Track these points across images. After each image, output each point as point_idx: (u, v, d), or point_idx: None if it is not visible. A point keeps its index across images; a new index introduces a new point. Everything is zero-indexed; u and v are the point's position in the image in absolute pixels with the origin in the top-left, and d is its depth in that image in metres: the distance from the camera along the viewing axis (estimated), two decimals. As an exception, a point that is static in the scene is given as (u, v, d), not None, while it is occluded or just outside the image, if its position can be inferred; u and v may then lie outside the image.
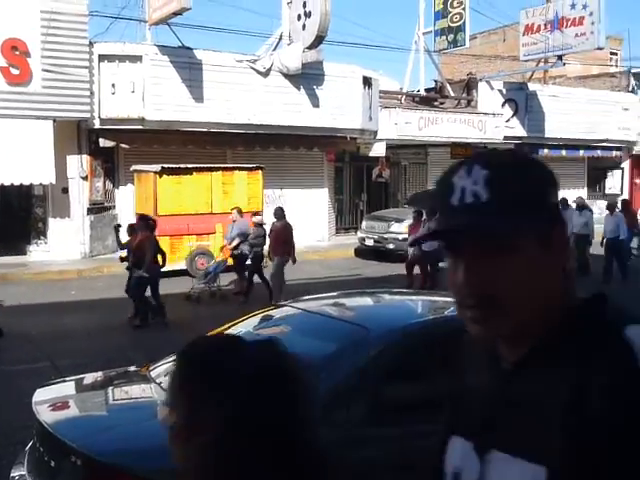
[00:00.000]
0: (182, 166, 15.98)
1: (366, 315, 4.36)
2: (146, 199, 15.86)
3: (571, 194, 22.09)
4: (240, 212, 13.63)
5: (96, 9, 20.09)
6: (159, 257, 11.40)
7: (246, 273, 13.15)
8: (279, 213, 12.96)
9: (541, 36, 23.15)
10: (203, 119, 17.08)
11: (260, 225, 13.30)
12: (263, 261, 13.16)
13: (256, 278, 12.94)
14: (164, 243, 15.27)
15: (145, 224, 11.42)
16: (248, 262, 13.18)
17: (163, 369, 4.10)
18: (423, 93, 23.95)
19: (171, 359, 4.26)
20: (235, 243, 13.16)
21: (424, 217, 14.11)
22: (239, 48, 19.68)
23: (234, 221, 13.49)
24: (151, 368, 4.14)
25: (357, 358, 3.48)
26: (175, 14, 16.21)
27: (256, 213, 14.31)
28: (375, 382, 3.47)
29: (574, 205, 17.07)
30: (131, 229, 11.59)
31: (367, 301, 4.88)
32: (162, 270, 11.73)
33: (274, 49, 19.02)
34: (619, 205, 17.38)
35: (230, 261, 13.67)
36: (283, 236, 12.65)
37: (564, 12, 22.37)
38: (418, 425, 3.42)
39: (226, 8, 73.12)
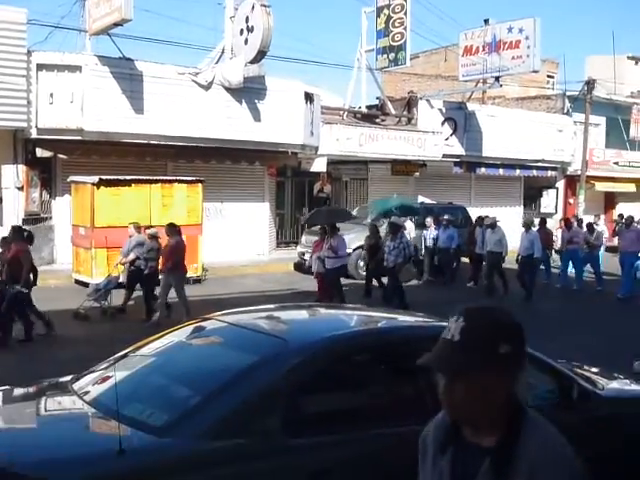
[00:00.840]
0: (121, 178, 15.86)
1: (287, 328, 4.46)
2: (83, 210, 15.69)
3: (507, 212, 22.73)
4: (138, 228, 13.16)
5: (35, 18, 19.82)
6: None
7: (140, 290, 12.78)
8: (172, 230, 12.35)
9: (479, 58, 23.75)
10: (143, 131, 16.98)
11: (154, 237, 12.79)
12: (158, 276, 12.68)
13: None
14: (101, 255, 15.18)
15: (20, 235, 10.63)
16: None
17: (85, 382, 4.10)
18: (365, 110, 24.28)
19: (90, 371, 4.27)
20: (131, 257, 12.70)
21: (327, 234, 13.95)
22: (182, 61, 19.64)
23: (130, 236, 13.00)
24: (73, 380, 4.14)
25: (275, 370, 3.56)
26: (116, 25, 16.11)
27: (150, 226, 13.65)
28: (292, 393, 3.55)
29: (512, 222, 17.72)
30: (3, 241, 10.75)
31: (290, 314, 4.97)
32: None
33: (216, 63, 19.06)
34: (536, 223, 17.77)
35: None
36: (176, 253, 12.12)
37: (501, 35, 23.02)
38: (333, 435, 3.54)
39: (169, 21, 72.84)
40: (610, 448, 4.59)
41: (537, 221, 18.55)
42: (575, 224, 19.13)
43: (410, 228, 17.97)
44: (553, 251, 19.31)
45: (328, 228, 14.02)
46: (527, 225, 16.78)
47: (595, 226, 19.28)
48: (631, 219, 17.85)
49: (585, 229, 18.63)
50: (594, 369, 5.65)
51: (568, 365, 5.25)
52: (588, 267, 18.18)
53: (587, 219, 29.02)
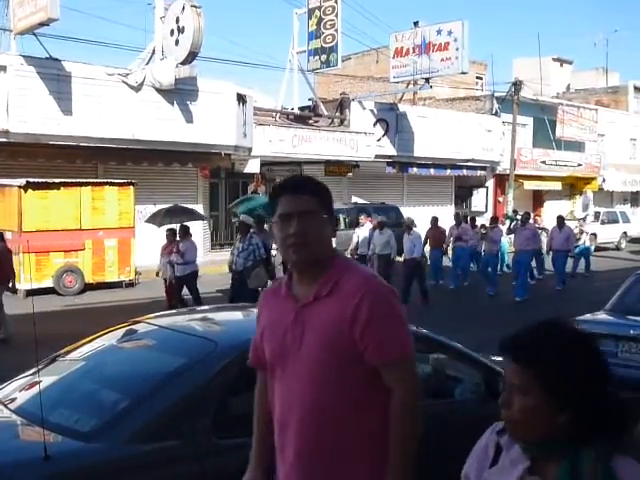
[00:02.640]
0: (49, 180, 15.53)
1: (216, 329, 4.46)
2: (10, 214, 15.29)
3: (439, 211, 23.09)
4: None
5: (-42, 16, 19.20)
6: None
7: None
8: None
9: (409, 59, 24.11)
10: (72, 133, 16.65)
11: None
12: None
13: None
14: (30, 261, 14.82)
15: None
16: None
17: (10, 389, 4.02)
18: (297, 111, 24.35)
19: (16, 379, 4.19)
20: None
21: (178, 238, 13.20)
22: (112, 62, 19.34)
23: None
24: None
25: (204, 371, 3.56)
26: (42, 24, 15.77)
27: None
28: (221, 394, 3.57)
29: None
30: None
31: (222, 316, 4.96)
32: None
33: (147, 64, 18.83)
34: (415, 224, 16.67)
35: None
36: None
37: (431, 37, 23.43)
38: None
39: (98, 21, 71.53)
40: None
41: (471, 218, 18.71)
42: (469, 222, 18.78)
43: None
44: (449, 250, 18.58)
45: (180, 231, 13.24)
46: (408, 226, 15.94)
47: (500, 225, 18.96)
48: (527, 216, 17.50)
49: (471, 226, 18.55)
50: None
51: (494, 358, 5.40)
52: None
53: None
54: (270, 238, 14.45)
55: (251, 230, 12.67)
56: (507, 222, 21.80)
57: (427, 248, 17.53)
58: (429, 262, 17.45)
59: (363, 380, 2.30)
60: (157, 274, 14.29)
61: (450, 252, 18.51)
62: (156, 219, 14.95)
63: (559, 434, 1.66)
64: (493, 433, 1.89)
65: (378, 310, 2.29)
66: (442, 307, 14.52)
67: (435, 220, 18.10)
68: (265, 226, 13.91)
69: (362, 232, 17.14)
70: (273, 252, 17.58)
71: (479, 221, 20.45)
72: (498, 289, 16.42)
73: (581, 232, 21.04)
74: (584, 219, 24.98)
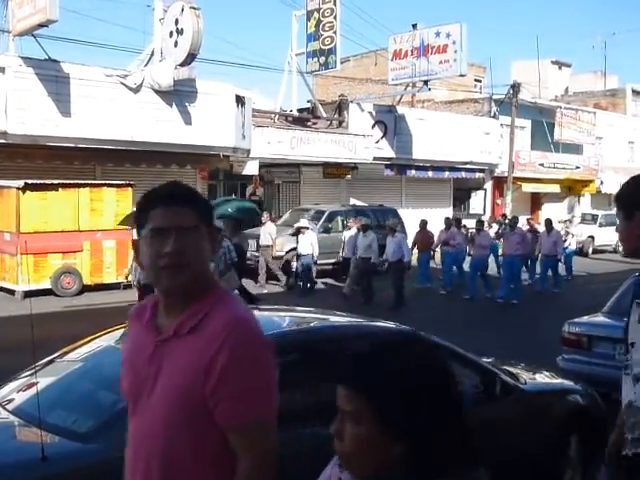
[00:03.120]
0: (47, 182, 15.52)
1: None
2: (8, 216, 15.27)
3: (437, 213, 23.12)
4: None
5: (-43, 17, 19.19)
6: None
7: None
8: None
9: (408, 62, 24.13)
10: (71, 134, 16.62)
11: None
12: None
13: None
14: (28, 262, 14.81)
15: None
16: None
17: (8, 390, 4.02)
18: (296, 113, 24.36)
19: (13, 379, 4.19)
20: None
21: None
22: (111, 64, 19.35)
23: None
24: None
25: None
26: (41, 25, 15.74)
27: None
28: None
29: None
30: None
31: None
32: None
33: (145, 65, 18.82)
34: (399, 227, 16.59)
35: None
36: None
37: (429, 40, 23.45)
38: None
39: (97, 22, 71.60)
40: (533, 439, 4.75)
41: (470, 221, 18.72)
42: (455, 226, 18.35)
43: (311, 236, 16.94)
44: (437, 254, 18.55)
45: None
46: (391, 229, 15.73)
47: (487, 228, 18.91)
48: (515, 220, 17.39)
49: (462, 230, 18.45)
50: (520, 365, 5.84)
51: (493, 361, 5.41)
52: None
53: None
54: (246, 241, 14.30)
55: (222, 233, 12.24)
56: (495, 226, 21.75)
57: (415, 251, 17.63)
58: (417, 265, 17.57)
59: (220, 438, 1.95)
60: (126, 277, 14.08)
61: (438, 256, 18.46)
62: (129, 220, 14.46)
63: (397, 468, 1.45)
64: (335, 466, 1.67)
65: (238, 361, 1.91)
66: (430, 311, 14.47)
67: (424, 223, 18.02)
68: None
69: (350, 235, 17.08)
70: (255, 254, 17.72)
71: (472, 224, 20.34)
72: (492, 293, 16.27)
73: (567, 234, 20.88)
74: (570, 221, 24.88)
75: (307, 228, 17.05)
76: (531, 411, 4.84)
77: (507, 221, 18.91)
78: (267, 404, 1.96)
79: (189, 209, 2.04)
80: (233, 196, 17.31)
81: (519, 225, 17.94)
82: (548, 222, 18.21)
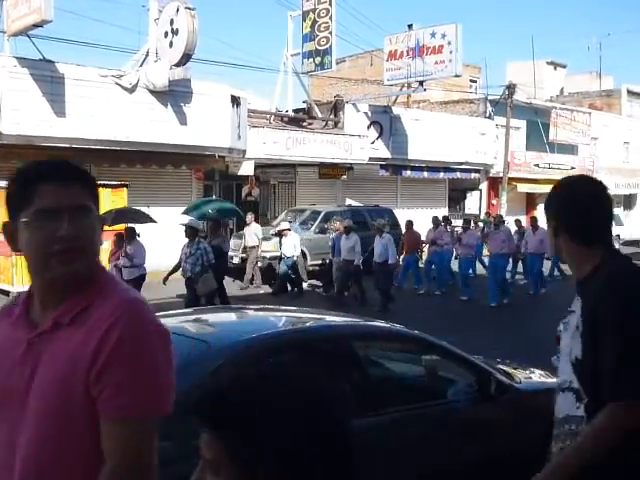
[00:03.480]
0: (42, 182, 15.47)
1: (209, 330, 4.46)
2: (2, 217, 15.15)
3: (433, 214, 23.11)
4: None
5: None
6: None
7: None
8: None
9: (403, 62, 24.13)
10: (65, 134, 16.60)
11: None
12: None
13: None
14: (23, 262, 14.76)
15: None
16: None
17: None
18: (291, 113, 24.36)
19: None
20: None
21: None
22: (106, 64, 19.31)
23: None
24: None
25: (197, 372, 3.56)
26: (35, 26, 15.71)
27: None
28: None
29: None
30: None
31: (214, 317, 4.97)
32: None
33: (141, 65, 18.81)
34: (387, 227, 16.25)
35: None
36: None
37: (425, 40, 23.45)
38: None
39: (92, 23, 71.57)
40: (528, 438, 4.75)
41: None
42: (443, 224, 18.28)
43: (294, 238, 16.59)
44: (424, 254, 18.44)
45: (126, 233, 12.69)
46: (379, 229, 15.52)
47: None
48: (500, 219, 17.01)
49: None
50: (514, 364, 5.84)
51: (488, 360, 5.42)
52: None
53: (510, 220, 30.01)
54: (227, 242, 14.10)
55: (199, 234, 12.25)
56: (480, 225, 21.44)
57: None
58: (403, 267, 17.34)
59: (97, 447, 1.72)
60: None
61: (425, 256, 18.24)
62: (105, 221, 13.92)
63: None
64: None
65: (127, 346, 1.69)
66: (428, 311, 14.43)
67: (410, 224, 17.73)
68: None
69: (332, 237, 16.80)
70: (236, 255, 17.60)
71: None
72: (477, 294, 15.97)
73: None
74: None
75: (289, 230, 16.73)
76: (526, 410, 4.84)
77: (491, 219, 18.56)
78: (156, 400, 1.75)
79: (80, 186, 1.79)
80: (214, 197, 16.95)
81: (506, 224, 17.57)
82: (534, 220, 18.01)
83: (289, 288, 16.75)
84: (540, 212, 33.04)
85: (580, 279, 2.45)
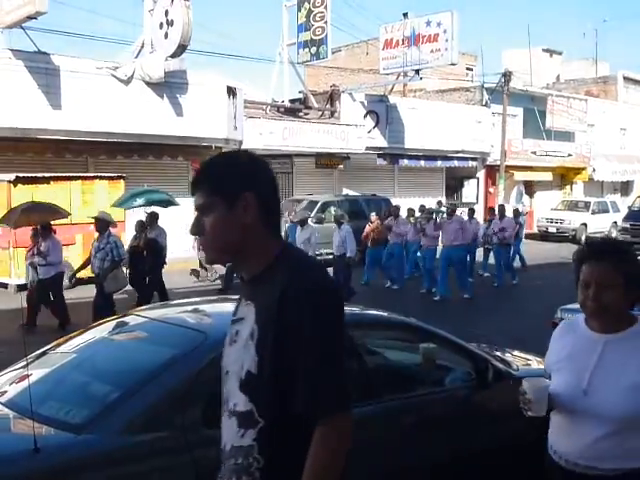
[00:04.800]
0: (39, 175, 15.46)
1: (206, 321, 4.46)
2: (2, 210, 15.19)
3: (430, 203, 23.09)
4: None
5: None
6: None
7: None
8: None
9: (399, 51, 24.07)
10: (61, 127, 16.57)
11: None
12: None
13: None
14: (20, 255, 14.75)
15: None
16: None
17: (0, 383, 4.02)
18: (288, 104, 24.31)
19: (6, 372, 4.18)
20: None
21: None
22: (101, 56, 19.25)
23: None
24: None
25: (194, 363, 3.56)
26: (30, 18, 15.63)
27: None
28: (211, 386, 3.56)
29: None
30: None
31: (212, 308, 4.96)
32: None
33: (136, 57, 18.75)
34: (346, 218, 15.45)
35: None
36: None
37: (420, 29, 23.39)
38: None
39: (87, 14, 71.22)
40: (525, 426, 4.77)
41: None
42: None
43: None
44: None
45: (39, 229, 11.79)
46: (337, 221, 14.82)
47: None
48: (453, 207, 16.18)
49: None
50: (516, 352, 5.86)
51: (484, 347, 5.43)
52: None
53: (508, 208, 30.01)
54: (164, 235, 13.20)
55: (110, 228, 11.00)
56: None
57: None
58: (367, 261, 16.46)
59: None
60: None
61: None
62: (11, 219, 12.33)
63: None
64: None
65: None
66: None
67: (377, 215, 16.90)
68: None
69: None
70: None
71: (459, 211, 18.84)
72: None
73: (517, 224, 18.96)
74: (518, 209, 22.11)
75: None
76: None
77: (443, 209, 17.05)
78: None
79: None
80: (145, 186, 16.12)
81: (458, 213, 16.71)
82: (501, 208, 17.25)
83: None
84: (537, 200, 33.11)
85: (251, 277, 2.10)
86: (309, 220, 15.10)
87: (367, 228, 16.51)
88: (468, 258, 16.29)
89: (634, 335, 2.67)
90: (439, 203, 22.02)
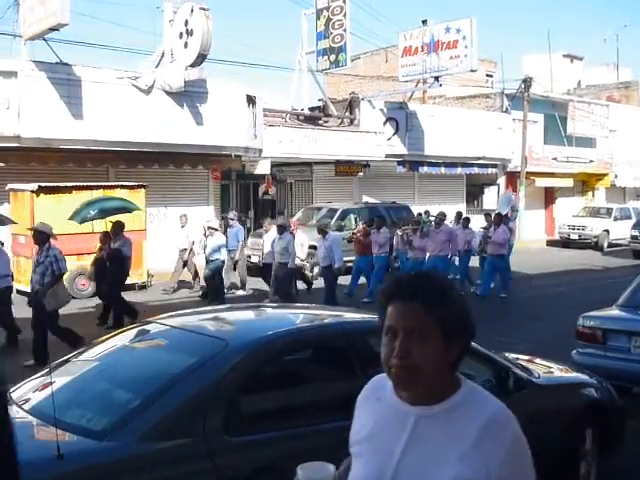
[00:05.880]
0: (61, 184, 15.62)
1: (227, 328, 4.49)
2: (22, 219, 15.34)
3: (450, 209, 23.04)
4: None
5: (-31, 22, 19.48)
6: None
7: None
8: None
9: (418, 58, 24.05)
10: (83, 136, 16.72)
11: None
12: None
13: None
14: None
15: None
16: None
17: (24, 390, 4.06)
18: (307, 112, 24.37)
19: (30, 380, 4.23)
20: None
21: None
22: (121, 66, 19.39)
23: None
24: (11, 389, 4.09)
25: (215, 370, 3.59)
26: (52, 29, 15.81)
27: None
28: (232, 393, 3.58)
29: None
30: None
31: (232, 315, 4.99)
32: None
33: (156, 67, 18.89)
34: (331, 227, 15.11)
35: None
36: None
37: (439, 36, 23.35)
38: (274, 432, 3.59)
39: (107, 25, 71.90)
40: (547, 434, 4.74)
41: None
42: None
43: (219, 238, 14.85)
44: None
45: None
46: (322, 231, 14.15)
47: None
48: (442, 216, 15.43)
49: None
50: (538, 359, 5.82)
51: (505, 355, 5.40)
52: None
53: (530, 215, 29.83)
54: (128, 245, 12.47)
55: (51, 240, 10.21)
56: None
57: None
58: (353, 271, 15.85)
59: None
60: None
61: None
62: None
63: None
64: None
65: None
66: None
67: (364, 224, 16.34)
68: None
69: (268, 238, 15.21)
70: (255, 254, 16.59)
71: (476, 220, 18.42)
72: None
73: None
74: (507, 216, 19.77)
75: (216, 230, 15.04)
76: (545, 405, 4.82)
77: (431, 218, 16.21)
78: None
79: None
80: (101, 194, 15.47)
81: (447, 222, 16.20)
82: (497, 217, 16.40)
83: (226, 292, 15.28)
84: (559, 206, 32.90)
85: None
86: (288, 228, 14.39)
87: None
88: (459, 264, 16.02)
89: (455, 407, 1.87)
90: (426, 213, 21.17)
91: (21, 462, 3.06)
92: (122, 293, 12.61)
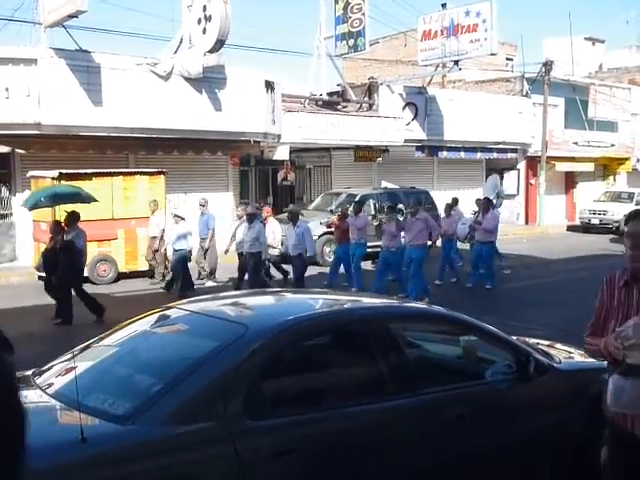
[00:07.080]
0: (81, 171, 15.72)
1: (247, 313, 4.51)
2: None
3: (470, 195, 22.89)
4: None
5: (-11, 10, 19.58)
6: None
7: None
8: None
9: (438, 42, 23.85)
10: (102, 123, 16.80)
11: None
12: None
13: None
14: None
15: None
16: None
17: (48, 375, 4.11)
18: (326, 97, 24.29)
19: (53, 364, 4.27)
20: None
21: None
22: (140, 52, 19.45)
23: None
24: (35, 374, 4.14)
25: (235, 354, 3.61)
26: (71, 16, 15.89)
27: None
28: (253, 377, 3.60)
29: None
30: None
31: (252, 300, 5.02)
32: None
33: (175, 53, 18.90)
34: (303, 214, 14.29)
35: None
36: None
37: (459, 19, 23.13)
38: (295, 416, 3.62)
39: (126, 12, 71.96)
40: (568, 418, 4.73)
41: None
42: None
43: (186, 227, 14.20)
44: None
45: None
46: (294, 216, 13.46)
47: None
48: (417, 205, 14.40)
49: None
50: (558, 344, 5.80)
51: (526, 340, 5.38)
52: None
53: (550, 200, 29.60)
54: (82, 236, 11.97)
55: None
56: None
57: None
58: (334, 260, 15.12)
59: None
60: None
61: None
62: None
63: None
64: None
65: None
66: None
67: (344, 212, 15.45)
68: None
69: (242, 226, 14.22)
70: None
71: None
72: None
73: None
74: (491, 201, 18.06)
75: (182, 218, 14.28)
76: (566, 390, 4.81)
77: (409, 209, 14.66)
78: None
79: None
80: (55, 182, 14.90)
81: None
82: (486, 201, 15.67)
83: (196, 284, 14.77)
84: (579, 191, 32.61)
85: None
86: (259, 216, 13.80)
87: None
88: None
89: None
90: (454, 200, 18.56)
91: (45, 445, 3.11)
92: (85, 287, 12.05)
